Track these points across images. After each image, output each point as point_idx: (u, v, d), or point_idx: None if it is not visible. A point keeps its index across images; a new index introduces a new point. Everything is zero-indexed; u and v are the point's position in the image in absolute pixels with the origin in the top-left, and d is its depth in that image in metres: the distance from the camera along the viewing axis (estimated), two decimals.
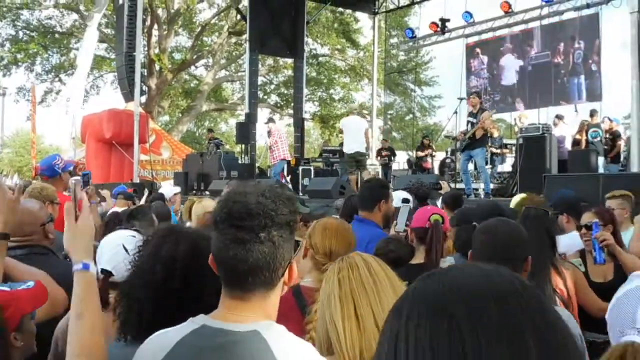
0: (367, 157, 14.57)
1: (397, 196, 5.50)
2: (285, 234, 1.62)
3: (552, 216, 3.95)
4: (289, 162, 18.56)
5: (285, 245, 1.62)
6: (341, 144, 15.90)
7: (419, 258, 3.68)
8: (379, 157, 20.00)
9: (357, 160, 13.37)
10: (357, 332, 1.68)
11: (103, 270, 2.66)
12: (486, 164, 13.38)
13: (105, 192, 8.57)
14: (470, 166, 13.26)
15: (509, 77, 19.92)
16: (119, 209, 6.66)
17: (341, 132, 15.36)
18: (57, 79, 34.86)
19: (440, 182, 10.55)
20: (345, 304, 1.74)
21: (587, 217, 4.34)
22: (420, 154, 18.68)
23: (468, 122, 12.36)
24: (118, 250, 2.70)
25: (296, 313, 2.60)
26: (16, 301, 2.17)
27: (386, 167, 19.44)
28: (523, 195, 5.68)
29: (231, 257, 1.59)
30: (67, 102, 22.92)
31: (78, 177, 8.39)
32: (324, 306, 1.81)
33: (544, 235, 3.61)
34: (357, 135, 13.24)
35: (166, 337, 1.62)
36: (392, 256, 3.71)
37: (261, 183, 1.75)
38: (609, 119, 15.19)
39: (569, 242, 4.35)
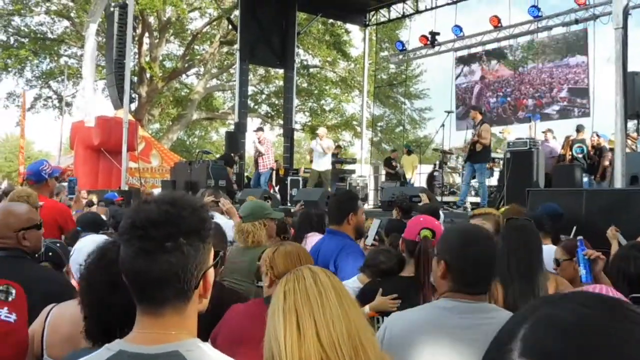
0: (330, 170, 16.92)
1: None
2: (194, 243, 1.52)
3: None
4: (277, 172, 18.60)
5: (196, 254, 1.53)
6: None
7: (409, 270, 3.59)
8: (386, 167, 19.96)
9: (320, 177, 16.16)
10: (297, 343, 1.65)
11: None
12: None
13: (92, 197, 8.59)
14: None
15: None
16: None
17: (311, 151, 17.53)
18: (46, 85, 34.81)
19: (420, 194, 10.54)
20: (288, 315, 1.71)
21: (557, 254, 4.28)
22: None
23: (472, 133, 12.91)
24: None
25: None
26: None
27: (395, 176, 19.21)
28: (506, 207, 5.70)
29: (137, 269, 1.50)
30: (77, 109, 22.95)
31: (64, 184, 8.41)
32: (269, 320, 1.77)
33: (536, 244, 3.61)
34: (322, 158, 16.12)
35: None
36: (383, 267, 3.72)
37: (175, 193, 1.65)
38: (597, 134, 15.25)
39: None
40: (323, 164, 16.08)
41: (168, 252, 1.49)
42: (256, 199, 5.99)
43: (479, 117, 12.78)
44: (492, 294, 2.52)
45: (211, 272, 1.63)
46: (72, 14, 32.23)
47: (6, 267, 3.21)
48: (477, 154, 12.47)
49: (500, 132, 17.92)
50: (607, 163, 13.91)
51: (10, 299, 2.23)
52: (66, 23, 33.37)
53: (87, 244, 2.80)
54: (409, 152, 19.87)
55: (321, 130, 17.30)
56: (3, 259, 3.28)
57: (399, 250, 3.85)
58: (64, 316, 2.61)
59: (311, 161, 17.35)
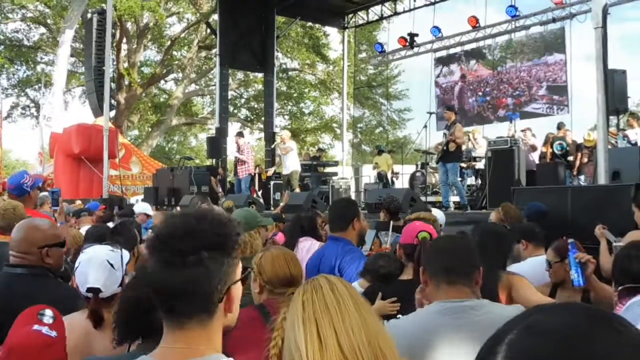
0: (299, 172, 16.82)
1: None
2: (218, 257, 1.52)
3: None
4: (259, 176, 18.55)
5: (220, 269, 1.53)
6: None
7: (407, 274, 3.62)
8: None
9: (289, 180, 15.94)
10: (319, 353, 1.65)
11: (90, 289, 2.64)
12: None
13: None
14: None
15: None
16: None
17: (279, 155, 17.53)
18: (23, 93, 34.44)
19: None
20: (308, 325, 1.71)
21: (548, 255, 4.26)
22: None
23: (444, 134, 12.72)
24: (104, 267, 2.68)
25: (259, 321, 2.60)
26: None
27: (379, 177, 19.25)
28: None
29: (161, 281, 1.51)
30: (47, 120, 22.75)
31: (46, 193, 8.31)
32: (289, 330, 1.77)
33: (500, 250, 3.62)
34: (286, 160, 15.98)
35: None
36: (383, 272, 3.75)
37: (204, 208, 1.70)
38: (569, 132, 15.42)
39: (528, 269, 4.21)
40: (290, 166, 15.98)
41: (190, 266, 1.48)
42: (244, 207, 5.98)
43: (453, 117, 12.71)
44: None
45: (237, 287, 1.62)
46: (48, 21, 31.93)
47: (33, 285, 3.16)
48: (450, 154, 12.35)
49: (470, 133, 17.99)
50: (585, 160, 14.08)
51: (51, 321, 2.30)
52: (42, 30, 33.09)
53: (92, 254, 2.77)
54: (380, 152, 19.81)
55: (282, 133, 17.28)
56: (26, 276, 3.20)
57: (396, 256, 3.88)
58: (72, 328, 2.59)
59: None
